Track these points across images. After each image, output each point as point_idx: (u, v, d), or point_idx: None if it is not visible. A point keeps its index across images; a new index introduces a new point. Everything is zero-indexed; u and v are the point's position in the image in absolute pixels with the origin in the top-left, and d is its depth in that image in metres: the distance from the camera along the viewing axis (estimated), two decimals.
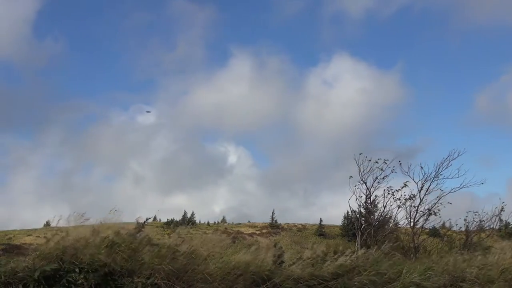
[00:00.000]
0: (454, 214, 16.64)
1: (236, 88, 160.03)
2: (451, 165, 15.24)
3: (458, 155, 15.25)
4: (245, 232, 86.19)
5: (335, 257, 9.42)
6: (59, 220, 8.09)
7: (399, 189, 14.95)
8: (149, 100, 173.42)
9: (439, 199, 15.22)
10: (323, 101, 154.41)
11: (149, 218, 8.83)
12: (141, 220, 8.77)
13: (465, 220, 16.33)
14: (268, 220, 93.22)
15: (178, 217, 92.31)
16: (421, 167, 15.29)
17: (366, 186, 14.82)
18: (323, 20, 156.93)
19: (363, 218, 15.26)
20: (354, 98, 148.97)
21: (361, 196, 14.87)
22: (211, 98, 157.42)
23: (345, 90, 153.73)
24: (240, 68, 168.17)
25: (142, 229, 8.37)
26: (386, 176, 14.70)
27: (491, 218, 16.27)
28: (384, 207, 15.08)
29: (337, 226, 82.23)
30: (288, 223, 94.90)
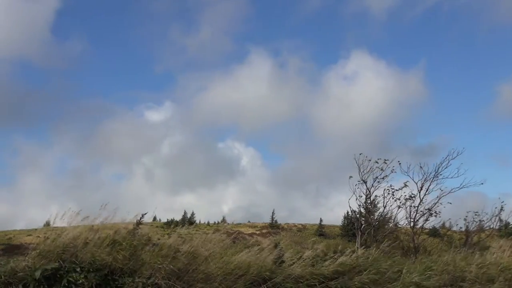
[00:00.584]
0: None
1: (253, 85, 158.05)
2: (450, 164, 15.26)
3: (458, 155, 15.27)
4: (245, 232, 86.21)
5: (335, 256, 9.43)
6: (55, 218, 8.07)
7: (399, 189, 14.97)
8: (165, 96, 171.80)
9: (439, 199, 15.24)
10: (342, 99, 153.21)
11: (145, 214, 8.78)
12: (138, 217, 8.73)
13: (465, 220, 16.36)
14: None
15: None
16: (421, 167, 15.31)
17: (366, 186, 14.83)
18: (344, 17, 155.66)
19: (363, 218, 15.27)
20: (374, 96, 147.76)
21: (361, 196, 14.88)
22: (227, 96, 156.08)
23: (365, 88, 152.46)
24: (257, 65, 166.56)
25: (139, 227, 8.36)
26: (386, 176, 14.71)
27: (491, 218, 16.31)
28: (384, 207, 15.10)
29: (337, 226, 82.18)
30: (288, 223, 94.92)
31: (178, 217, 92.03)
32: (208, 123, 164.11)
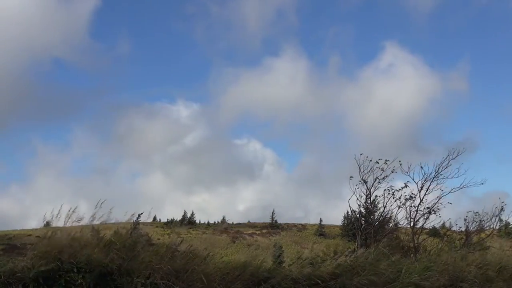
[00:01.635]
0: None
1: (283, 82, 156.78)
2: (450, 164, 15.23)
3: (458, 155, 15.23)
4: (245, 232, 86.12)
5: (335, 257, 9.42)
6: (54, 218, 8.06)
7: (399, 189, 14.94)
8: (194, 93, 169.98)
9: (439, 199, 15.22)
10: (377, 95, 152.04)
11: (142, 213, 8.76)
12: (135, 217, 8.72)
13: (465, 220, 16.34)
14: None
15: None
16: (421, 167, 15.28)
17: (366, 186, 14.81)
18: (384, 12, 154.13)
19: (363, 218, 15.25)
20: (408, 93, 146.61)
21: (361, 196, 14.86)
22: (257, 92, 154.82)
23: (400, 84, 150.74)
24: (287, 63, 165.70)
25: (137, 226, 8.35)
26: (387, 176, 14.69)
27: (491, 218, 16.28)
28: (384, 207, 15.08)
29: (337, 226, 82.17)
30: (288, 223, 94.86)
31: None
32: (236, 119, 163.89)
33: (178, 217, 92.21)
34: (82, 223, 8.10)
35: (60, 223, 8.04)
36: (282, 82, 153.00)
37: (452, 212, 16.40)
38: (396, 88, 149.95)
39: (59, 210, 8.03)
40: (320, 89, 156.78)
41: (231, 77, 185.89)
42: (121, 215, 8.58)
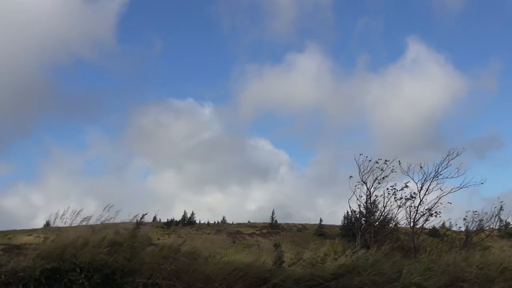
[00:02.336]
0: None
1: (305, 79, 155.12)
2: (450, 164, 15.25)
3: (457, 155, 15.25)
4: (245, 232, 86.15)
5: (336, 257, 9.43)
6: (55, 219, 8.08)
7: (400, 190, 14.96)
8: (216, 91, 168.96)
9: (439, 199, 15.23)
10: (401, 93, 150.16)
11: (145, 214, 8.80)
12: (138, 218, 8.75)
13: (464, 220, 16.36)
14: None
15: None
16: (421, 167, 15.30)
17: (366, 186, 14.84)
18: (410, 9, 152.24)
19: (364, 218, 15.28)
20: (432, 91, 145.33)
21: (361, 196, 14.89)
22: (277, 89, 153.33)
23: (425, 82, 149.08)
24: (308, 61, 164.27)
25: (140, 227, 8.37)
26: (386, 176, 14.72)
27: (491, 218, 16.29)
28: (385, 207, 15.10)
29: (337, 226, 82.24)
30: (288, 223, 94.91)
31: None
32: (255, 117, 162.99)
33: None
34: (87, 223, 8.11)
35: (63, 223, 8.06)
36: (303, 79, 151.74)
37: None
38: (421, 86, 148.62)
39: (66, 211, 8.06)
40: (343, 86, 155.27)
41: (253, 73, 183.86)
42: (126, 215, 8.62)
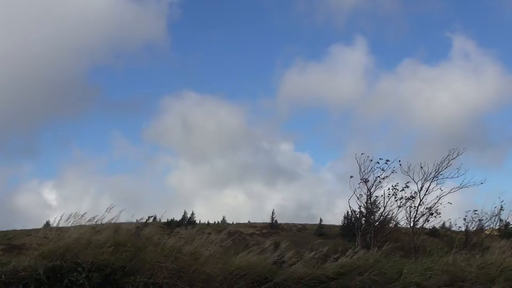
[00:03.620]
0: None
1: (327, 78, 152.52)
2: (450, 164, 15.24)
3: (458, 155, 15.25)
4: (245, 232, 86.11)
5: (336, 257, 9.45)
6: (56, 219, 8.08)
7: (401, 190, 14.96)
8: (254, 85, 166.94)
9: (439, 199, 15.24)
10: (444, 88, 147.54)
11: (151, 217, 8.83)
12: (144, 219, 8.79)
13: (464, 219, 16.36)
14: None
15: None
16: (421, 167, 15.29)
17: (367, 186, 14.84)
18: (455, 3, 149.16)
19: (364, 218, 15.27)
20: (475, 87, 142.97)
21: (361, 196, 14.89)
22: (313, 85, 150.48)
23: (467, 78, 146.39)
24: (334, 59, 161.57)
25: (144, 228, 8.39)
26: (387, 176, 14.71)
27: (491, 217, 16.30)
28: (385, 207, 15.10)
29: (337, 226, 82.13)
30: (288, 223, 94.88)
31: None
32: (289, 113, 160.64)
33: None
34: (90, 223, 8.12)
35: (64, 224, 8.06)
36: (342, 74, 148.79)
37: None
38: (469, 84, 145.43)
39: (75, 211, 8.07)
40: (382, 81, 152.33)
41: (291, 68, 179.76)
42: (130, 216, 8.64)
